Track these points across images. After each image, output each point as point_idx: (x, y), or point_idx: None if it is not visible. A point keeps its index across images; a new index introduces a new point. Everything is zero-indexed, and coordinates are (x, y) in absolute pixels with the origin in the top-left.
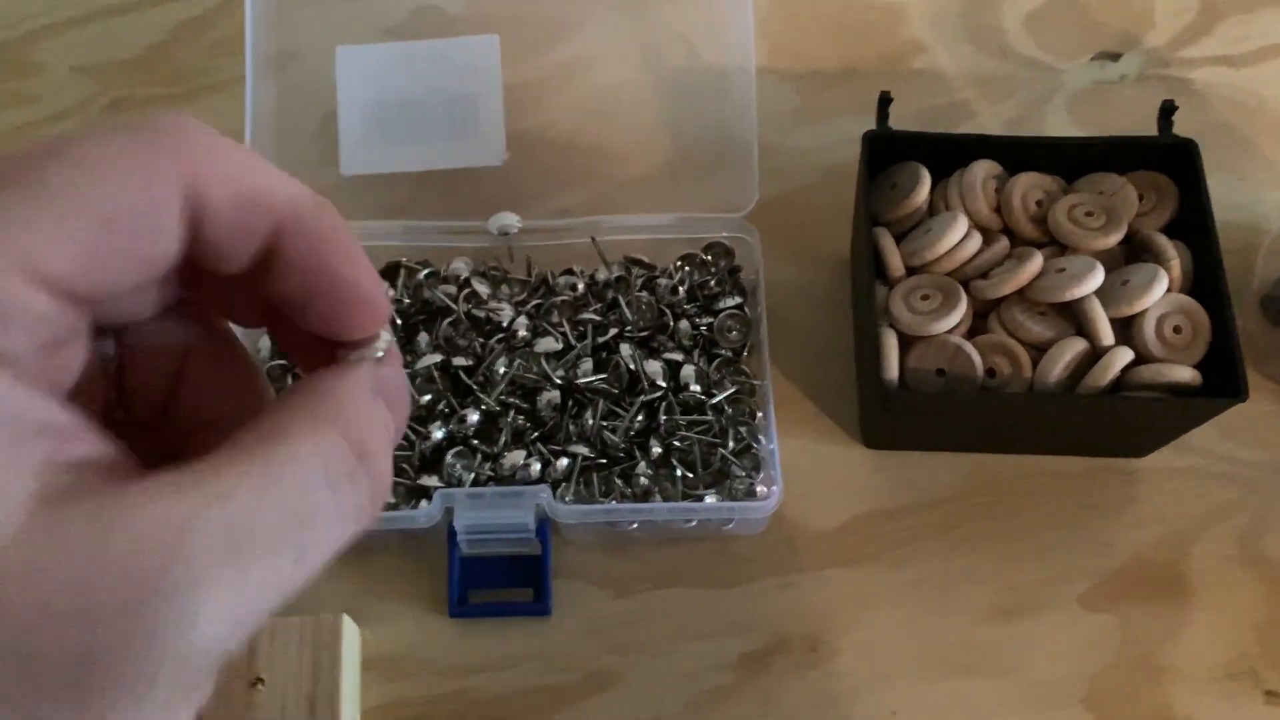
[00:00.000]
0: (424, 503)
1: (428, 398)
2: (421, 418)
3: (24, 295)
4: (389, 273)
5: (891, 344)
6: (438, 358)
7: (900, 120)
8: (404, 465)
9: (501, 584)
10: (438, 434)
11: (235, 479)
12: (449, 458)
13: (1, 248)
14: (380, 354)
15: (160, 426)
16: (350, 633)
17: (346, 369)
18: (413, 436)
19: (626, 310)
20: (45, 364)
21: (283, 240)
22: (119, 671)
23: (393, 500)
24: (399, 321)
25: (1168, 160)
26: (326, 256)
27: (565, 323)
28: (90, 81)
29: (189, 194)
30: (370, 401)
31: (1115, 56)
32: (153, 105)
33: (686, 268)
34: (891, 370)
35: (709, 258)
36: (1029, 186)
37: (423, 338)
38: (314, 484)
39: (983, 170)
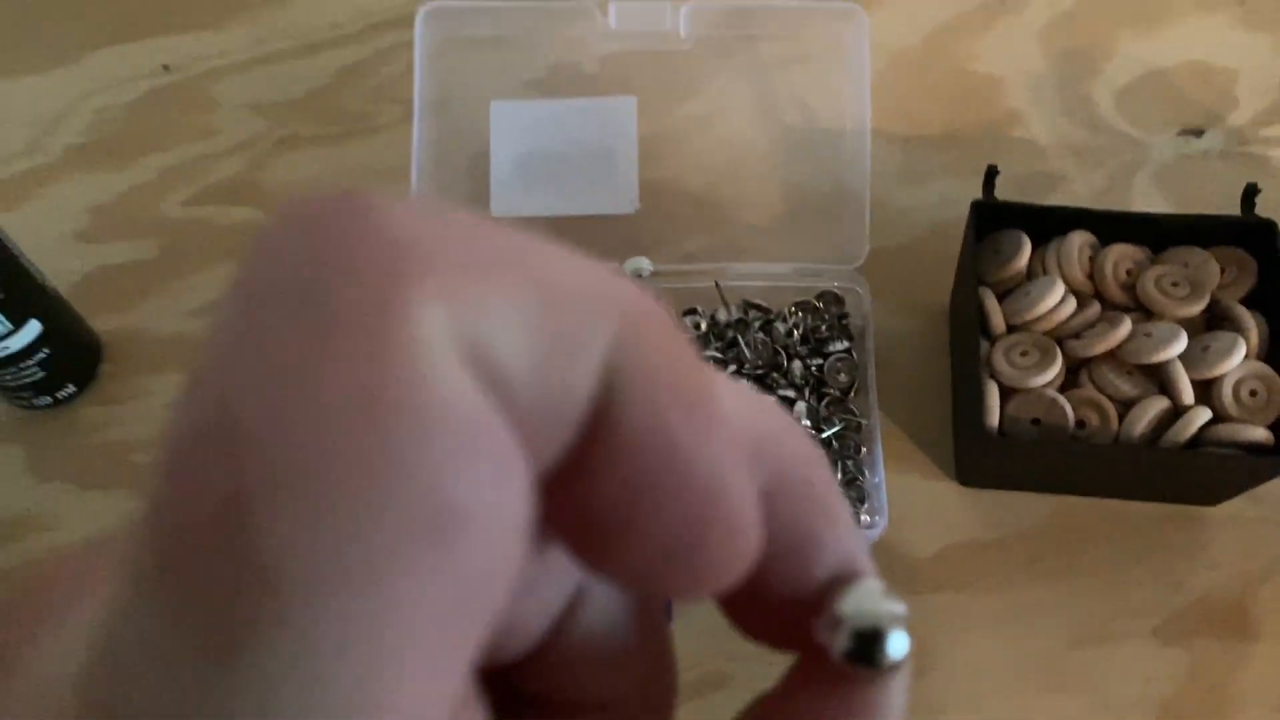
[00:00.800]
0: None
1: None
2: None
3: None
4: None
5: (994, 394)
6: None
7: (998, 185)
8: None
9: None
10: None
11: None
12: None
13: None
14: (893, 658)
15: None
16: None
17: None
18: None
19: (745, 349)
20: None
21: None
22: None
23: None
24: None
25: (1249, 237)
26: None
27: None
28: (260, 120)
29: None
30: None
31: (1199, 133)
32: (317, 144)
33: (800, 313)
34: (993, 418)
35: (821, 305)
36: (1120, 256)
37: None
38: None
39: (1079, 239)
